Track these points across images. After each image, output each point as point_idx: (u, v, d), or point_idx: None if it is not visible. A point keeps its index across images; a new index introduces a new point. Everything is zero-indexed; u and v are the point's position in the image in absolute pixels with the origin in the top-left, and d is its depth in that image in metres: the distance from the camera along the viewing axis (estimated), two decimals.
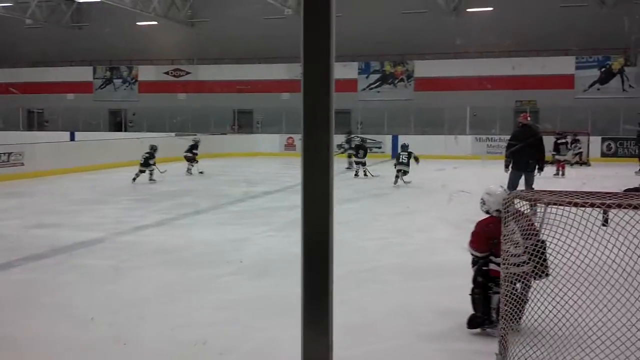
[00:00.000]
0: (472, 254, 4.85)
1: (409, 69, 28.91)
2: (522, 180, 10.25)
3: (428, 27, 27.50)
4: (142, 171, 15.19)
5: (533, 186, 10.09)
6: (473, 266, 4.86)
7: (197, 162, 17.65)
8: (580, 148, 21.20)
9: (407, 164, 14.82)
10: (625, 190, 10.32)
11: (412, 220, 10.14)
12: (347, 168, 18.59)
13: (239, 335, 4.70)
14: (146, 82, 33.07)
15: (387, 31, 27.83)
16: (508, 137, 11.01)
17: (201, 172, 17.35)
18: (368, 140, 25.76)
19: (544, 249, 3.89)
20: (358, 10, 28.34)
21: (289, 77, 29.33)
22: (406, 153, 15.01)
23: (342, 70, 28.65)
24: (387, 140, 26.55)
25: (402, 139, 25.77)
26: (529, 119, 10.95)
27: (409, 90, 28.91)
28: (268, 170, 18.62)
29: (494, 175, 12.06)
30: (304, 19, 1.45)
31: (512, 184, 10.05)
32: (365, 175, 17.04)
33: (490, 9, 27.52)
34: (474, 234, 4.84)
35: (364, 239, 8.52)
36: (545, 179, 10.48)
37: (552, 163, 16.88)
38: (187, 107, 30.72)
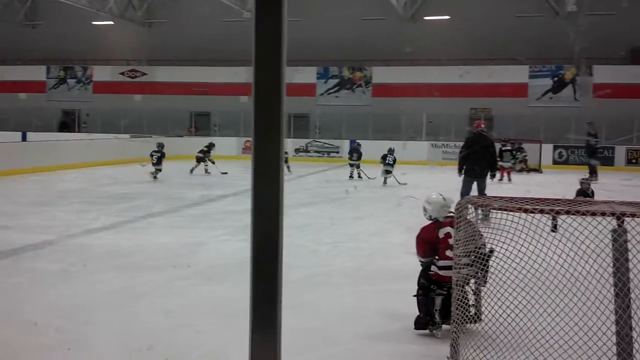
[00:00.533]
0: (419, 259, 5.06)
1: (367, 74, 29.12)
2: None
3: (386, 34, 27.79)
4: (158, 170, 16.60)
5: (485, 192, 10.27)
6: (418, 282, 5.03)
7: (212, 162, 18.77)
8: (525, 155, 21.68)
9: (392, 166, 16.24)
10: (577, 194, 10.59)
11: (367, 225, 10.19)
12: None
13: (189, 341, 4.63)
14: (101, 82, 32.47)
15: (346, 37, 28.00)
16: (462, 143, 11.18)
17: (224, 173, 18.32)
18: (325, 145, 25.88)
19: (488, 257, 3.98)
20: (318, 15, 28.47)
21: (248, 80, 29.09)
22: (393, 156, 16.41)
23: (300, 75, 28.69)
24: (345, 145, 26.65)
25: (408, 145, 25.92)
26: (482, 126, 11.10)
27: (367, 96, 29.12)
28: (226, 174, 18.43)
29: (443, 181, 12.27)
30: (255, 23, 1.44)
31: (465, 190, 10.24)
32: (359, 177, 17.83)
33: (447, 17, 27.96)
34: (416, 240, 5.08)
35: (319, 243, 8.52)
36: (489, 185, 10.70)
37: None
38: (143, 109, 30.27)
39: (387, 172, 16.27)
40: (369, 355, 4.51)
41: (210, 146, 19.46)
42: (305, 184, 16.66)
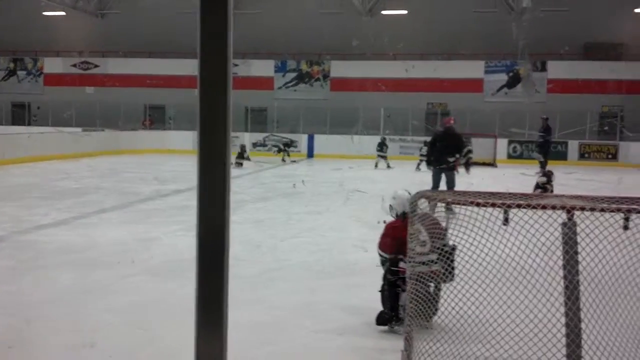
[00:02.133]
0: (380, 255, 5.01)
1: (325, 68, 29.13)
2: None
3: (344, 28, 27.82)
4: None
5: (454, 184, 10.82)
6: (382, 266, 4.97)
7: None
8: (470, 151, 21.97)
9: (385, 152, 21.02)
10: (535, 188, 10.88)
11: (325, 220, 10.18)
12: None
13: (138, 339, 4.53)
14: (52, 74, 31.67)
15: (304, 30, 27.95)
16: (420, 138, 11.55)
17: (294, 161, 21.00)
18: (283, 139, 25.84)
19: (452, 253, 4.01)
20: (276, 8, 28.34)
21: None
22: (387, 146, 21.24)
23: (259, 68, 28.55)
24: (303, 139, 26.65)
25: (318, 138, 26.08)
26: (452, 122, 11.55)
27: (325, 90, 29.14)
28: (179, 168, 18.22)
29: (396, 175, 12.36)
30: (200, 14, 1.40)
31: (435, 183, 10.81)
32: (388, 167, 20.71)
33: (405, 12, 28.15)
34: (381, 236, 5.05)
35: (276, 238, 8.48)
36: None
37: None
38: (96, 102, 29.64)
39: (381, 156, 20.95)
40: (324, 349, 4.49)
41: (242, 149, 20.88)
42: (263, 179, 16.58)
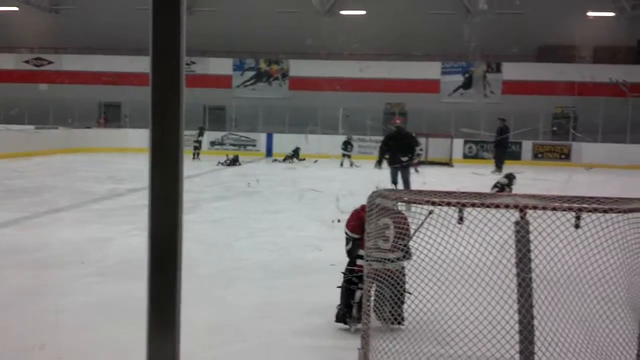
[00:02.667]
0: (346, 234, 4.96)
1: (284, 67, 29.08)
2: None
3: (303, 27, 27.81)
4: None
5: (409, 181, 11.62)
6: (346, 246, 4.98)
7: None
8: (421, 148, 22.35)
9: (350, 152, 21.91)
10: (493, 187, 11.11)
11: (283, 219, 10.16)
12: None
13: (89, 341, 4.44)
14: (4, 70, 30.78)
15: (263, 29, 27.82)
16: (378, 137, 11.94)
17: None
18: (242, 138, 25.73)
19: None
20: (233, 6, 28.16)
21: None
22: (351, 145, 22.27)
23: (217, 66, 28.33)
24: (262, 138, 26.56)
25: (277, 137, 26.02)
26: (398, 122, 12.30)
27: (284, 89, 29.09)
28: (136, 167, 17.93)
29: (348, 174, 12.43)
30: (152, 11, 1.37)
31: (393, 179, 11.62)
32: (352, 165, 21.21)
33: (364, 12, 28.30)
34: (351, 215, 4.99)
35: (234, 237, 8.42)
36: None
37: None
38: (49, 99, 28.94)
39: (345, 155, 21.77)
40: (282, 349, 4.48)
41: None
42: (221, 178, 16.45)
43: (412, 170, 13.21)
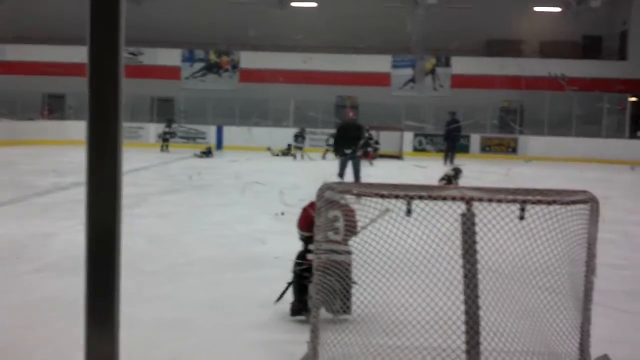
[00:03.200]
0: (299, 233, 4.98)
1: (234, 59, 28.80)
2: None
3: (254, 19, 27.57)
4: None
5: (360, 170, 12.12)
6: (301, 253, 5.00)
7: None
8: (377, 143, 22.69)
9: (301, 144, 22.01)
10: (440, 179, 11.36)
11: (233, 212, 10.07)
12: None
13: (29, 341, 4.30)
14: None
15: (213, 20, 27.48)
16: (330, 130, 12.24)
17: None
18: (191, 130, 25.46)
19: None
20: None
21: None
22: (303, 137, 22.38)
23: (165, 57, 27.87)
24: (212, 130, 26.28)
25: (227, 130, 25.79)
26: (351, 114, 13.15)
27: (234, 81, 28.82)
28: (80, 160, 17.48)
29: (298, 166, 12.43)
30: (90, 2, 1.32)
31: (341, 171, 12.07)
32: (302, 157, 21.42)
33: (315, 4, 28.25)
34: (302, 212, 5.01)
35: (182, 232, 8.30)
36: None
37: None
38: None
39: (298, 147, 21.92)
40: (233, 344, 4.43)
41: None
42: (169, 171, 16.21)
43: (368, 163, 13.77)
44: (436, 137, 24.97)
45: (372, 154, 20.22)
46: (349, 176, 11.91)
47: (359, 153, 12.45)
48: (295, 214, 5.22)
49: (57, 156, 18.90)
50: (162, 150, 22.48)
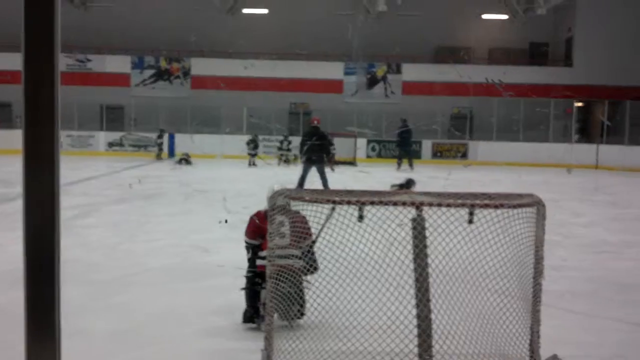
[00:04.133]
0: (245, 242, 4.99)
1: (185, 66, 28.51)
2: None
3: (205, 25, 27.36)
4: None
5: (325, 175, 12.57)
6: (247, 253, 5.01)
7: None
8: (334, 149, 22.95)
9: (254, 151, 22.13)
10: (392, 186, 11.55)
11: (185, 221, 9.95)
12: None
13: None
14: None
15: (162, 26, 27.15)
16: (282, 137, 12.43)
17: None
18: (142, 138, 25.14)
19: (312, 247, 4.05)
20: (132, 2, 27.35)
21: None
22: (256, 144, 22.49)
23: (114, 64, 27.42)
24: (163, 138, 25.92)
25: (179, 137, 25.49)
26: (315, 122, 13.51)
27: (186, 88, 28.52)
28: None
29: (251, 173, 12.39)
30: (24, 6, 1.29)
31: (304, 175, 12.53)
32: (254, 165, 21.81)
33: (266, 11, 28.22)
34: (249, 221, 5.03)
35: (133, 242, 8.17)
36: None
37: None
38: None
39: (252, 155, 21.96)
40: (185, 353, 4.37)
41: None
42: (120, 180, 15.92)
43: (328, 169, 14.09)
44: (389, 144, 25.23)
45: (333, 160, 20.50)
46: (315, 184, 12.14)
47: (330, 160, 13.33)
48: (243, 220, 5.19)
49: (4, 166, 18.32)
50: (157, 158, 22.26)
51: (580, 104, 26.58)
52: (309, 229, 4.09)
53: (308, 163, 12.51)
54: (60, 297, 1.38)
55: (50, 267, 1.37)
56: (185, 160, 21.35)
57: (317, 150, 12.47)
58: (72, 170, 17.73)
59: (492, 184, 15.98)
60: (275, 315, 3.94)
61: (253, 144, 22.36)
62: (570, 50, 28.10)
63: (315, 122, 13.56)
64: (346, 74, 28.41)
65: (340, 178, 16.62)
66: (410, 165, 21.12)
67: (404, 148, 22.33)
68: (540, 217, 3.59)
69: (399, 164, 21.49)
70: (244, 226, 5.08)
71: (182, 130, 26.20)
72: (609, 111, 25.64)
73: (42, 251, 1.37)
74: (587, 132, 26.73)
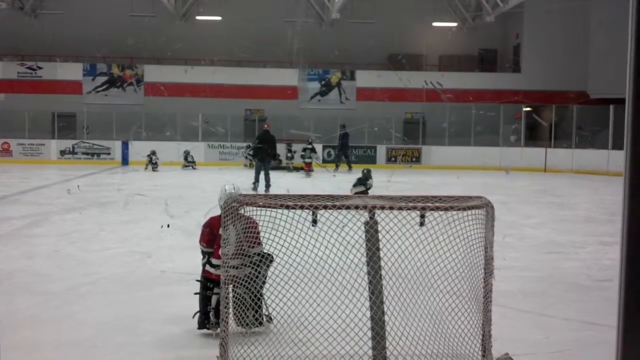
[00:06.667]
0: (201, 249, 4.97)
1: (138, 72, 28.10)
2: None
3: (157, 32, 27.01)
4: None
5: (269, 173, 14.72)
6: (203, 258, 4.98)
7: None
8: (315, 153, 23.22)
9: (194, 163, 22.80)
10: (355, 193, 11.74)
11: (139, 229, 9.81)
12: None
13: None
14: None
15: (115, 33, 26.68)
16: (239, 143, 13.85)
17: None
18: (95, 146, 24.71)
19: (266, 262, 4.04)
20: (82, 10, 26.86)
21: (4, 77, 26.65)
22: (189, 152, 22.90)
23: (65, 72, 26.87)
24: (117, 145, 25.50)
25: (134, 145, 25.08)
26: (265, 126, 15.76)
27: (139, 95, 28.10)
28: None
29: (208, 180, 12.32)
30: None
31: (257, 173, 14.69)
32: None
33: (219, 18, 28.07)
34: (202, 228, 5.02)
35: (86, 251, 8.02)
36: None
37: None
38: None
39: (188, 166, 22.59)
40: None
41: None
42: (72, 188, 15.59)
43: (306, 173, 18.36)
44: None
45: (309, 165, 21.36)
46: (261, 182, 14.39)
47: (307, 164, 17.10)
48: (195, 225, 5.16)
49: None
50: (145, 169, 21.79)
51: (528, 109, 27.19)
52: (258, 234, 4.07)
53: (260, 162, 14.79)
54: None
55: None
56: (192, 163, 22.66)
57: (267, 151, 14.66)
58: (22, 179, 17.30)
59: (443, 187, 16.22)
60: (232, 321, 3.93)
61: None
62: (518, 56, 28.75)
63: (266, 126, 15.77)
64: (301, 80, 28.46)
65: (294, 183, 16.65)
66: (349, 167, 22.29)
67: (343, 151, 23.64)
68: (490, 218, 3.68)
69: (337, 167, 22.79)
70: (197, 232, 5.06)
71: (136, 138, 25.78)
72: (556, 115, 26.34)
73: None
74: (535, 136, 27.37)
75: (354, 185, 12.83)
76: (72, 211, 11.47)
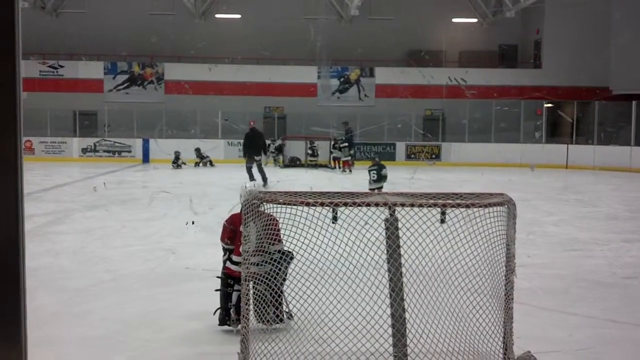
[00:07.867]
0: (222, 246, 5.00)
1: (158, 71, 28.30)
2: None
3: (177, 30, 27.20)
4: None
5: (262, 166, 15.22)
6: (224, 255, 5.01)
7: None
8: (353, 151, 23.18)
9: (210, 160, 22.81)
10: (372, 189, 11.86)
11: (161, 226, 9.89)
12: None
13: None
14: None
15: (135, 32, 26.95)
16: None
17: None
18: (116, 144, 24.92)
19: (286, 260, 4.05)
20: (103, 8, 27.13)
21: (26, 75, 26.98)
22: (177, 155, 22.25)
23: (87, 70, 27.13)
24: (138, 143, 25.72)
25: (154, 143, 25.29)
26: (252, 124, 16.25)
27: (160, 93, 28.30)
28: None
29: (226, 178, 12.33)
30: None
31: (249, 167, 14.94)
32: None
33: (238, 16, 28.16)
34: (223, 225, 5.03)
35: (108, 248, 8.10)
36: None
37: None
38: None
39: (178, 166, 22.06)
40: (162, 358, 4.36)
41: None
42: (97, 186, 15.75)
43: (345, 170, 18.68)
44: (364, 146, 25.37)
45: (351, 163, 21.40)
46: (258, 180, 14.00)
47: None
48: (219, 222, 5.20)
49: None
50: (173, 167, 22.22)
51: (549, 105, 26.93)
52: (278, 231, 4.08)
53: (250, 158, 15.10)
54: (26, 307, 1.38)
55: (15, 276, 1.36)
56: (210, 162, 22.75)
57: (255, 147, 15.12)
58: (44, 177, 17.51)
59: (464, 185, 16.14)
60: (253, 318, 3.95)
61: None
62: (539, 52, 28.47)
63: (252, 124, 16.23)
64: (320, 77, 28.46)
65: (315, 179, 16.66)
66: (352, 164, 22.03)
67: (349, 149, 23.15)
68: (511, 215, 3.66)
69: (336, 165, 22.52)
70: (216, 228, 5.09)
71: (158, 136, 25.98)
72: (578, 112, 26.05)
73: (6, 260, 1.36)
74: (557, 133, 27.10)
75: (374, 181, 12.81)
76: (93, 209, 11.59)
